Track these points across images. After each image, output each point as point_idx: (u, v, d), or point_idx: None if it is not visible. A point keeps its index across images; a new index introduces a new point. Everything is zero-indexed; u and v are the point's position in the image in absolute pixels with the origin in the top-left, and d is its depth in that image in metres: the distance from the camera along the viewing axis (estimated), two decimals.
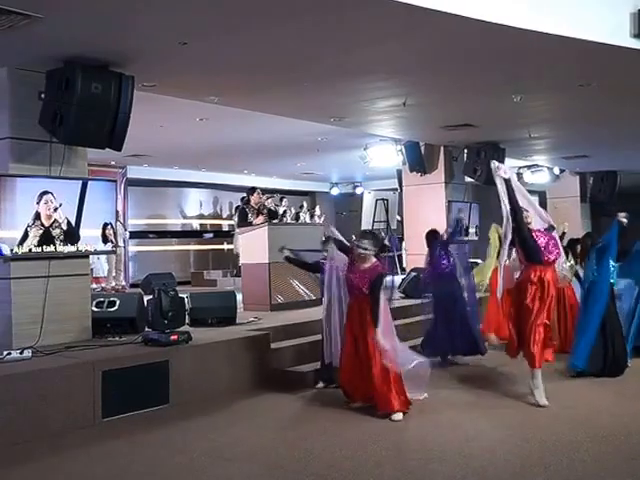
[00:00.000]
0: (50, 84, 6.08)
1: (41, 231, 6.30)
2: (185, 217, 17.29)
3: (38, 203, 6.28)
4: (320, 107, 8.67)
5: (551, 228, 6.23)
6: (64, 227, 6.46)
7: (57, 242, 6.41)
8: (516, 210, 5.86)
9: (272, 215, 10.70)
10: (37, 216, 6.29)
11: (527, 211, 6.02)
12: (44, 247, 6.30)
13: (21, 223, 6.16)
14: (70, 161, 6.48)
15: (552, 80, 7.41)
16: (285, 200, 15.21)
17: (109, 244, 6.90)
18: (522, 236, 5.93)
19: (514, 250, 6.20)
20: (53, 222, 6.39)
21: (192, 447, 4.95)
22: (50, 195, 6.34)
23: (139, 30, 5.50)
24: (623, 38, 6.12)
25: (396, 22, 5.41)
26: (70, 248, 6.52)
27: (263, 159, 14.48)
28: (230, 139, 11.79)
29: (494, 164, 5.97)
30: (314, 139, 11.90)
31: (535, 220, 6.13)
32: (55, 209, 6.39)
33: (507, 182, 5.85)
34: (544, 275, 5.95)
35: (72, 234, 6.53)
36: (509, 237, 5.92)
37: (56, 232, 6.41)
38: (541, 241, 5.98)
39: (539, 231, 6.05)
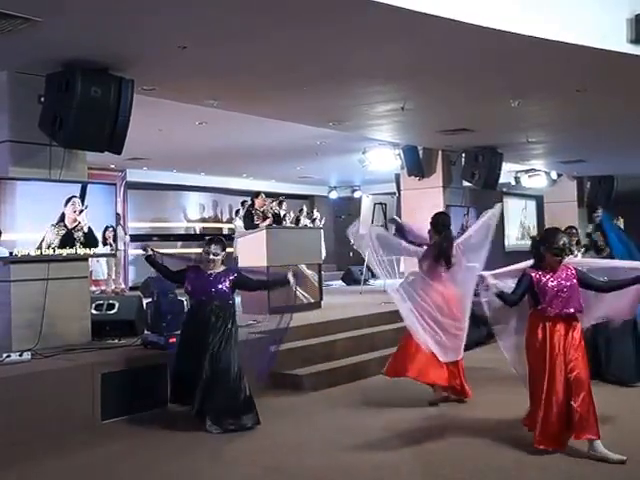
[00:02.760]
0: (50, 87, 6.09)
1: (63, 232, 6.37)
2: (185, 220, 17.27)
3: (66, 205, 6.40)
4: (319, 111, 8.69)
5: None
6: (85, 230, 6.54)
7: (77, 245, 6.48)
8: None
9: (277, 219, 10.69)
10: (62, 218, 6.39)
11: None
12: (66, 249, 6.38)
13: (21, 225, 6.17)
14: (70, 164, 6.51)
15: (549, 85, 7.44)
16: (285, 203, 15.20)
17: (107, 247, 6.92)
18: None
19: None
20: (77, 225, 6.47)
21: (191, 449, 4.97)
22: (77, 199, 6.48)
23: (139, 34, 5.52)
24: (620, 43, 6.15)
25: (393, 25, 5.43)
26: (89, 251, 6.62)
27: (262, 163, 14.50)
28: (229, 143, 11.81)
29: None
30: (313, 143, 11.92)
31: None
32: (80, 212, 6.48)
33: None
34: (554, 332, 4.61)
35: (92, 238, 6.61)
36: None
37: (78, 235, 6.49)
38: (551, 284, 4.63)
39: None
